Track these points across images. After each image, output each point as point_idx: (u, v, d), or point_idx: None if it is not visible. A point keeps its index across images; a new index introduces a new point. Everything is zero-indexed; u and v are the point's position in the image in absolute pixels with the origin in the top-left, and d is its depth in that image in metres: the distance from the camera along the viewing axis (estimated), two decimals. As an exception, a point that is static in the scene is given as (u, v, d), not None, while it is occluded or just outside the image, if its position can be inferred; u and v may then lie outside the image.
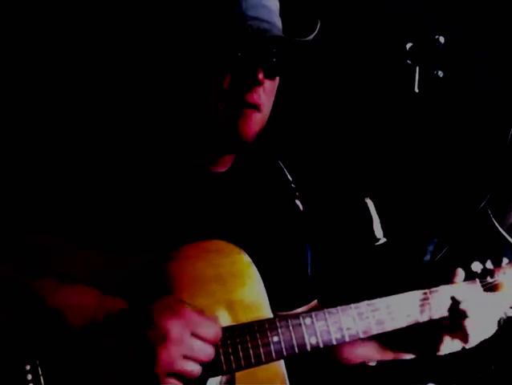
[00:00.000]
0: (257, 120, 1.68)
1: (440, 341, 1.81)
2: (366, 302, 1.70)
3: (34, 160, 1.66)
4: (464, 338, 1.79)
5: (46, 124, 1.80)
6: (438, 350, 1.82)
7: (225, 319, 1.60)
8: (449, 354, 1.86)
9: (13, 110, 2.15)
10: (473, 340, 1.81)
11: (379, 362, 1.93)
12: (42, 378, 1.46)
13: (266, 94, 1.68)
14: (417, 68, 2.21)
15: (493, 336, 1.87)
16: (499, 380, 2.25)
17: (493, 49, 2.52)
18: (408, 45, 2.24)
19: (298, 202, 1.94)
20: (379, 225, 2.13)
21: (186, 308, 1.48)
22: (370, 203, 2.14)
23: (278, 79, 1.73)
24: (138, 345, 1.42)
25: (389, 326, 1.72)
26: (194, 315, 1.48)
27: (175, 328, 1.43)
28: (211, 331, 1.49)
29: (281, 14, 1.73)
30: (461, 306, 1.77)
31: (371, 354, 1.89)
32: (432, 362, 2.31)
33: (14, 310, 1.47)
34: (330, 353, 1.88)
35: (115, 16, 2.24)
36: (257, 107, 1.67)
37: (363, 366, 1.94)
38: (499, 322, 1.85)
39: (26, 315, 1.46)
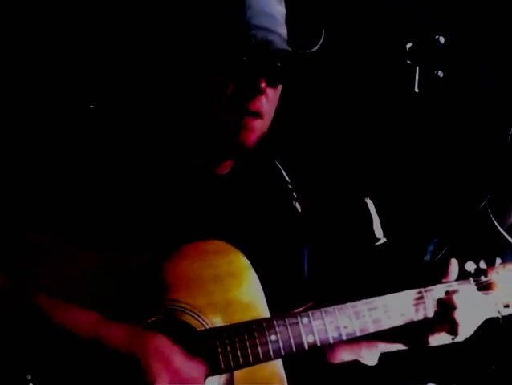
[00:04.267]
0: (258, 128, 1.69)
1: (430, 333, 1.82)
2: (363, 301, 1.71)
3: (35, 160, 1.66)
4: (453, 332, 1.80)
5: (47, 124, 1.80)
6: (428, 342, 1.84)
7: (223, 319, 1.60)
8: (449, 354, 1.87)
9: (14, 110, 2.16)
10: (463, 335, 1.82)
11: (379, 361, 1.93)
12: None
13: (268, 102, 1.68)
14: (417, 68, 2.21)
15: (493, 336, 1.88)
16: (499, 380, 2.25)
17: (493, 49, 2.52)
18: (408, 45, 2.24)
19: (296, 204, 1.94)
20: (379, 225, 2.13)
21: (177, 356, 1.50)
22: (370, 203, 2.13)
23: (280, 87, 1.73)
24: None
25: (385, 325, 1.73)
26: (184, 364, 1.50)
27: (163, 381, 1.46)
28: (198, 377, 1.52)
29: (286, 21, 1.73)
30: (455, 301, 1.78)
31: (359, 347, 1.90)
32: (432, 362, 2.31)
33: (16, 324, 1.47)
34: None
35: (120, 21, 2.24)
36: (259, 115, 1.68)
37: (362, 366, 1.94)
38: (499, 321, 1.87)
39: (23, 329, 1.47)
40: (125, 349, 1.47)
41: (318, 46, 1.68)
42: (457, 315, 1.78)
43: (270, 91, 1.68)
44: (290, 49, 1.68)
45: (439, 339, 1.83)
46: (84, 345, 1.46)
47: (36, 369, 1.46)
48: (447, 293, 1.81)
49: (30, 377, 1.45)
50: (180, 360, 1.50)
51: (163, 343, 1.51)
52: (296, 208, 1.94)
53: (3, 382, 1.45)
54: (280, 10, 1.71)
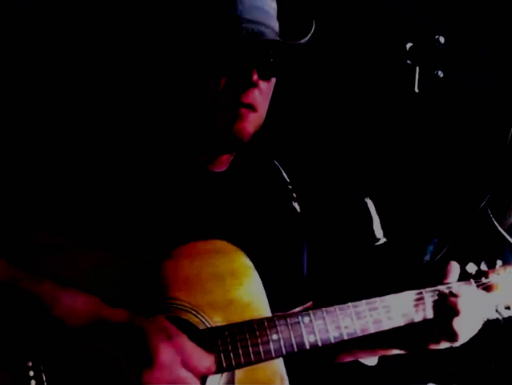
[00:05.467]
0: (252, 120, 1.70)
1: (429, 337, 1.81)
2: (363, 302, 1.71)
3: (35, 160, 1.67)
4: (454, 335, 1.79)
5: (47, 124, 1.81)
6: (428, 345, 1.83)
7: (224, 318, 1.60)
8: (449, 354, 1.87)
9: (15, 110, 2.16)
10: (463, 338, 1.80)
11: (379, 361, 1.93)
12: (43, 374, 1.47)
13: (261, 95, 1.70)
14: (417, 68, 2.21)
15: (493, 336, 1.88)
16: (499, 380, 2.25)
17: (493, 49, 2.52)
18: (408, 45, 2.24)
19: (295, 204, 1.94)
20: (379, 225, 2.13)
21: (181, 335, 1.48)
22: (370, 203, 2.14)
23: (273, 80, 1.75)
24: (126, 365, 1.44)
25: (386, 325, 1.73)
26: (188, 344, 1.48)
27: (165, 354, 1.44)
28: (202, 364, 1.49)
29: (278, 16, 1.74)
30: (456, 303, 1.77)
31: (360, 350, 1.90)
32: (432, 362, 2.31)
33: (17, 311, 1.48)
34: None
35: (114, 19, 2.25)
36: (252, 108, 1.68)
37: (362, 366, 1.94)
38: (499, 322, 1.87)
39: (28, 316, 1.48)
40: (126, 329, 1.46)
41: (308, 37, 1.70)
42: (459, 319, 1.76)
43: (262, 84, 1.70)
44: (279, 40, 1.69)
45: (439, 343, 1.81)
46: (86, 327, 1.46)
47: (37, 355, 1.47)
48: (449, 294, 1.80)
49: (30, 364, 1.46)
50: (184, 339, 1.48)
51: (167, 324, 1.50)
52: (295, 208, 1.94)
53: (4, 369, 1.45)
54: (272, 5, 1.73)
